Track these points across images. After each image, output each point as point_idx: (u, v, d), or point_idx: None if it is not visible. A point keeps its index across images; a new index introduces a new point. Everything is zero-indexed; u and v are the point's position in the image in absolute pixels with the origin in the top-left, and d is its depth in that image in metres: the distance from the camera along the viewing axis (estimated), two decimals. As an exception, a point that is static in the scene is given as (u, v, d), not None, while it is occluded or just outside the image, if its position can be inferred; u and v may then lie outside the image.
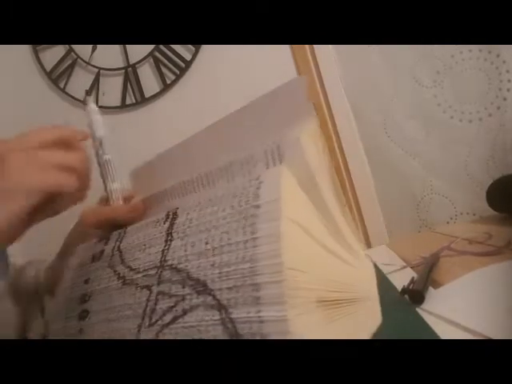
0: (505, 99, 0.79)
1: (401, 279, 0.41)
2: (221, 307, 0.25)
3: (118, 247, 0.36)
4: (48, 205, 0.33)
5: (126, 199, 0.42)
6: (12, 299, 0.42)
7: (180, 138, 0.39)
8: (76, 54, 1.02)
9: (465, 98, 0.83)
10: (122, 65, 1.03)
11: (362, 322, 0.27)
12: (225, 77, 1.00)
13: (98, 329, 0.32)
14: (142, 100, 1.03)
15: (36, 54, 1.03)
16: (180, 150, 0.40)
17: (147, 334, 0.28)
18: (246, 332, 0.23)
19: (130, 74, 1.03)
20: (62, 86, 1.03)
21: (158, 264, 0.31)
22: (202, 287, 0.27)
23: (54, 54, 1.03)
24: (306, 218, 0.27)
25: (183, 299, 0.27)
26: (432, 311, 0.33)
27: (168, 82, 1.02)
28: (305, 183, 0.28)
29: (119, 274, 0.34)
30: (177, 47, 1.01)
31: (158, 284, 0.30)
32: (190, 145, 0.39)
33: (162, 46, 1.01)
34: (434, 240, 0.63)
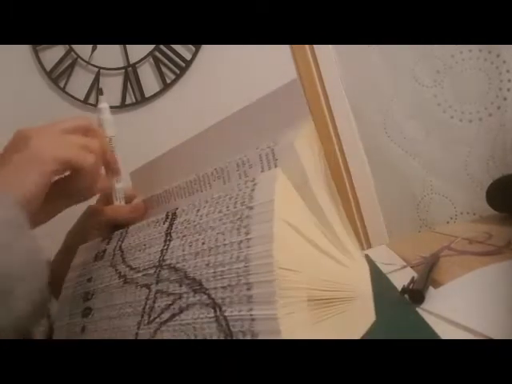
0: (505, 99, 0.79)
1: (401, 279, 0.41)
2: (215, 305, 0.26)
3: (120, 247, 0.37)
4: (68, 185, 0.35)
5: (128, 199, 0.42)
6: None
7: (180, 138, 0.39)
8: (76, 53, 1.02)
9: (465, 98, 0.83)
10: (121, 64, 1.03)
11: (353, 321, 0.28)
12: (225, 77, 1.00)
13: (101, 326, 0.33)
14: (142, 100, 1.03)
15: (36, 53, 1.03)
16: (179, 151, 0.40)
17: (146, 331, 0.29)
18: (238, 330, 0.24)
19: (130, 74, 1.03)
20: (62, 85, 1.03)
21: (157, 263, 0.31)
22: (198, 286, 0.27)
23: (53, 53, 1.03)
24: (299, 219, 0.28)
25: (180, 298, 0.28)
26: (432, 311, 0.33)
27: (168, 81, 1.02)
28: (300, 186, 0.29)
29: (120, 272, 0.34)
30: (177, 47, 1.01)
31: (157, 283, 0.30)
32: (189, 147, 0.39)
33: (162, 46, 1.01)
34: (434, 240, 0.63)
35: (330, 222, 0.29)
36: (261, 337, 0.23)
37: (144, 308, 0.30)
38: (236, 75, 0.99)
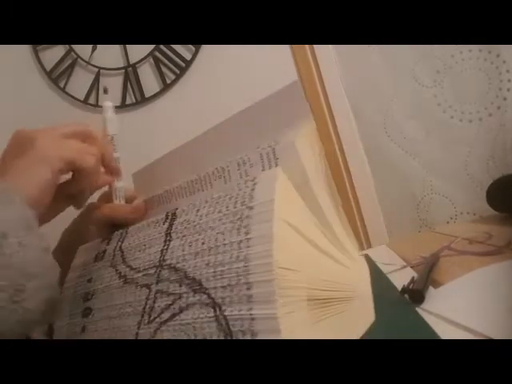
0: (505, 99, 0.79)
1: (401, 279, 0.41)
2: (215, 305, 0.26)
3: (120, 247, 0.37)
4: (69, 185, 0.36)
5: (128, 200, 0.42)
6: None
7: (180, 138, 0.39)
8: (76, 53, 1.02)
9: (465, 98, 0.83)
10: (122, 64, 1.03)
11: (353, 321, 0.28)
12: (225, 77, 1.00)
13: (101, 326, 0.33)
14: (142, 100, 1.03)
15: (36, 53, 1.03)
16: (181, 152, 0.40)
17: (146, 331, 0.29)
18: (238, 329, 0.24)
19: (130, 74, 1.03)
20: (62, 85, 1.03)
21: (157, 263, 0.32)
22: (197, 286, 0.27)
23: (53, 53, 1.03)
24: (299, 219, 0.28)
25: (180, 297, 0.28)
26: (432, 311, 0.33)
27: (168, 81, 1.02)
28: (300, 185, 0.29)
29: (120, 273, 0.34)
30: (177, 47, 1.01)
31: (157, 283, 0.30)
32: (191, 148, 0.39)
33: (162, 46, 1.01)
34: (434, 240, 0.63)
35: (329, 222, 0.29)
36: (260, 336, 0.23)
37: (144, 308, 0.30)
38: (236, 75, 0.99)
